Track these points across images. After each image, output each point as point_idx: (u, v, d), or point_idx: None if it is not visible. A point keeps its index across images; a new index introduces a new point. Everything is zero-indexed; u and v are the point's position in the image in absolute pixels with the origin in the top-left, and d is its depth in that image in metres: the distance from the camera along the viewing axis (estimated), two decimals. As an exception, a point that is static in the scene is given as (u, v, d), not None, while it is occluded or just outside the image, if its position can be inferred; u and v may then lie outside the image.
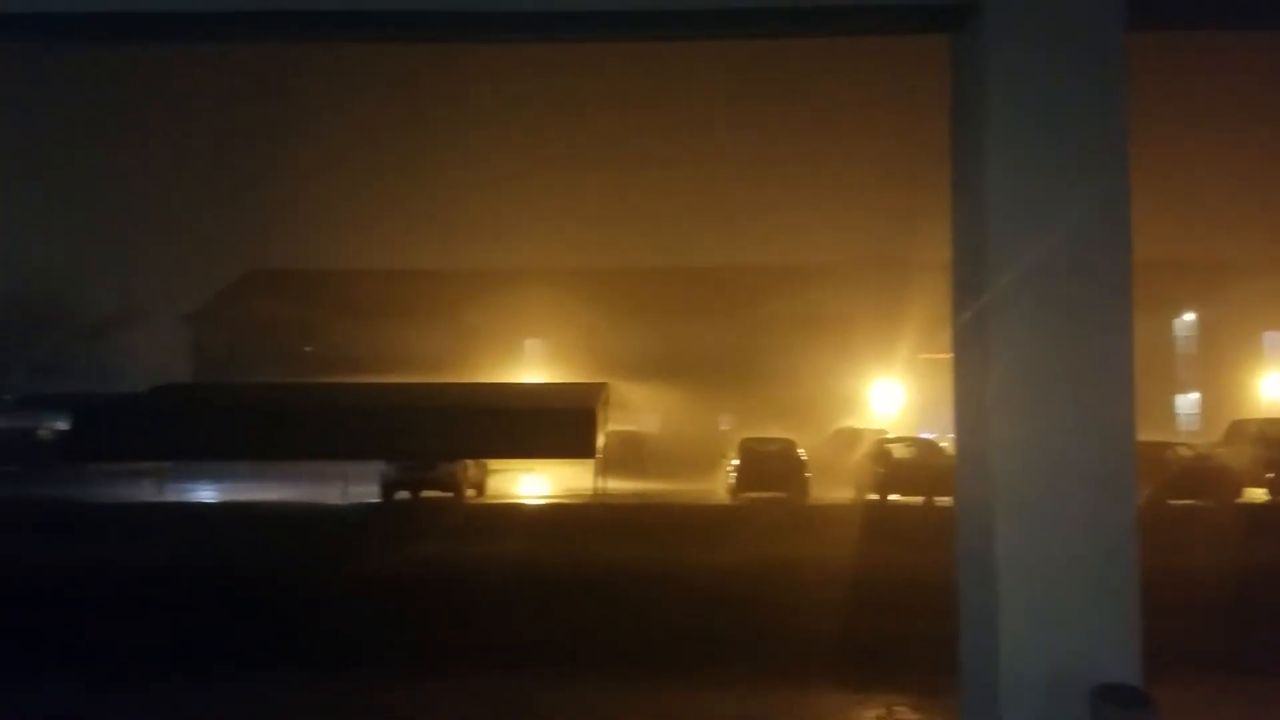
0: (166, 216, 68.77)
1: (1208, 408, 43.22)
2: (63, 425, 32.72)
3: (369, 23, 1.96)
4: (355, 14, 1.92)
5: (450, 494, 25.44)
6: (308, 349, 43.73)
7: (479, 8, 1.89)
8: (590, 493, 26.05)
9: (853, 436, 33.20)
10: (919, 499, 23.70)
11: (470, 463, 26.25)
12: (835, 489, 26.18)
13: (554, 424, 22.84)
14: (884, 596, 11.14)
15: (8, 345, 40.06)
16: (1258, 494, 24.75)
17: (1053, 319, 1.82)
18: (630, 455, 32.78)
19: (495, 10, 1.89)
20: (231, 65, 57.13)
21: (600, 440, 24.27)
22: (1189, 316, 44.66)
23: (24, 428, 39.09)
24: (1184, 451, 25.37)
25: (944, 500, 22.43)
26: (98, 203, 68.32)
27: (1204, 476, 23.41)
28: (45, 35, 2.08)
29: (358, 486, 26.16)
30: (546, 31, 2.01)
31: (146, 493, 26.92)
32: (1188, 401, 44.28)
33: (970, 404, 1.96)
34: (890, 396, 41.96)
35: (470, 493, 26.47)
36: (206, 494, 27.79)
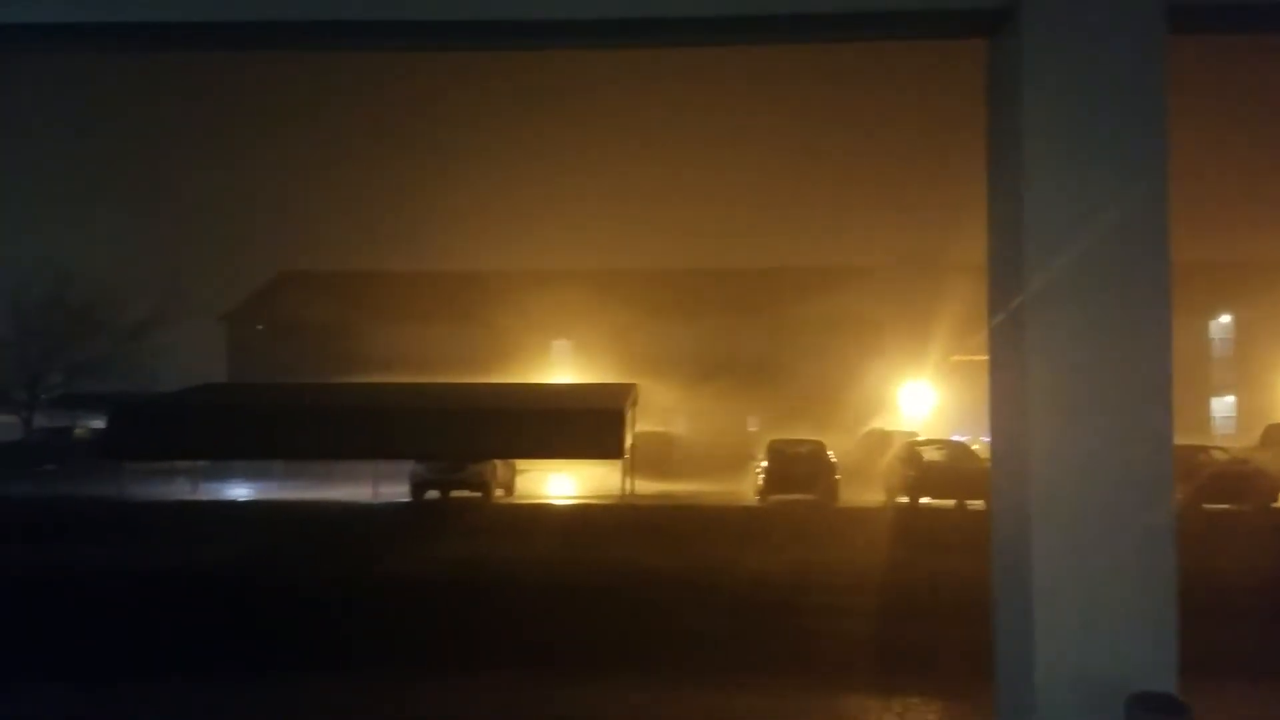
0: (203, 219, 69.48)
1: (1243, 411, 42.67)
2: (99, 424, 33.22)
3: (372, 33, 1.96)
4: (356, 24, 1.92)
5: (479, 494, 25.53)
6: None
7: (486, 16, 1.89)
8: (618, 494, 26.08)
9: (883, 438, 33.01)
10: (950, 502, 23.52)
11: (499, 463, 26.32)
12: (865, 491, 26.03)
13: (582, 425, 22.91)
14: (915, 601, 11.07)
15: (47, 345, 40.62)
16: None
17: (1090, 321, 1.81)
18: (658, 456, 32.76)
19: (507, 19, 1.89)
20: (265, 69, 57.66)
21: (628, 441, 24.32)
22: (1225, 319, 44.09)
23: (61, 427, 39.73)
24: (1219, 455, 25.03)
25: (976, 503, 22.29)
26: (135, 205, 69.17)
27: (1239, 481, 23.08)
28: (54, 45, 2.08)
29: (387, 486, 26.33)
30: (554, 39, 2.00)
31: (180, 491, 27.22)
32: (1223, 405, 43.72)
33: (1005, 406, 1.95)
34: (921, 399, 41.68)
35: (499, 493, 26.55)
36: (239, 492, 28.06)
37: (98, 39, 1.98)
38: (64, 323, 40.61)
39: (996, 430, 1.96)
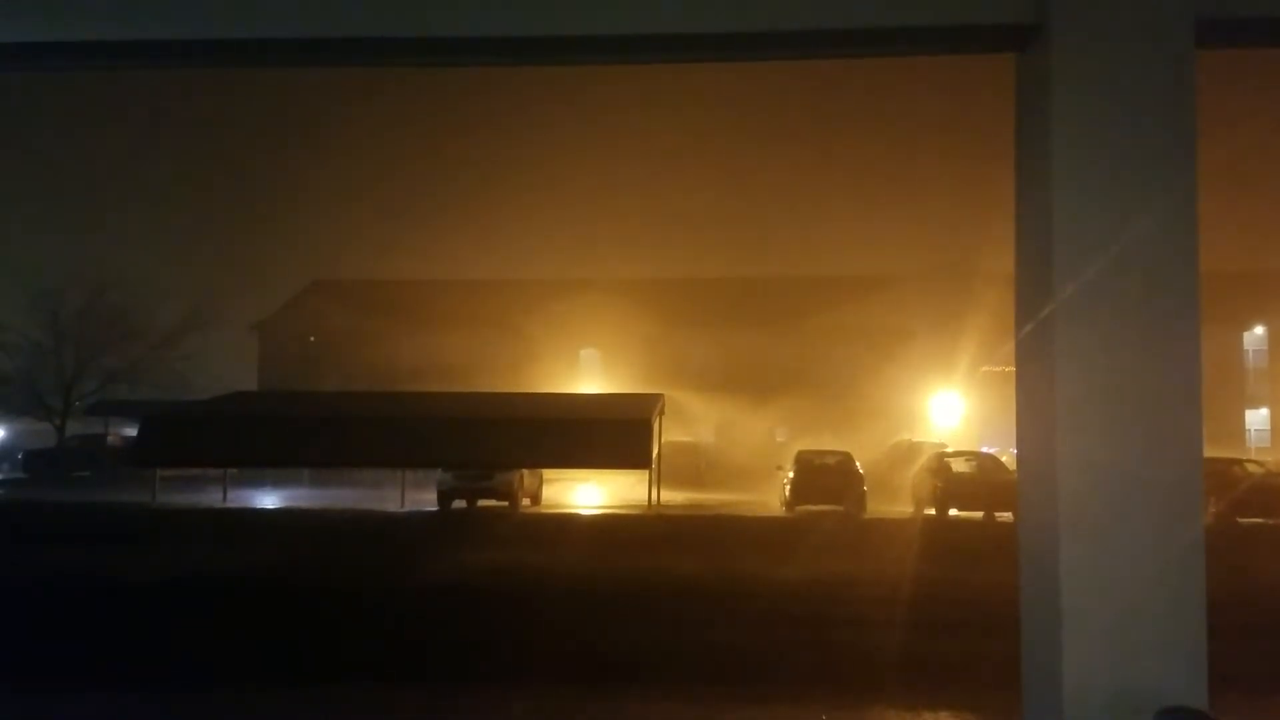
0: (235, 229, 70.26)
1: (1278, 423, 42.08)
2: (131, 432, 33.63)
3: (382, 49, 1.96)
4: (367, 41, 1.93)
5: (506, 503, 25.61)
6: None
7: (499, 33, 1.90)
8: (645, 504, 26.08)
9: (911, 449, 32.85)
10: (979, 514, 23.37)
11: (526, 472, 26.39)
12: (893, 503, 25.90)
13: (610, 434, 22.91)
14: (944, 613, 10.99)
15: (81, 353, 41.14)
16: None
17: (1119, 334, 1.81)
18: (686, 466, 32.75)
19: (521, 35, 1.90)
20: (299, 80, 58.28)
21: (656, 451, 24.31)
22: (1259, 330, 43.53)
23: (94, 434, 40.22)
24: (1253, 468, 24.74)
25: (1005, 516, 22.12)
26: (170, 215, 70.02)
27: (1274, 494, 22.79)
28: (82, 62, 2.11)
29: (415, 494, 26.45)
30: (572, 55, 2.01)
31: (211, 498, 27.47)
32: (1258, 417, 43.14)
33: (1033, 419, 1.95)
34: (950, 409, 41.43)
35: (525, 502, 26.62)
36: (268, 500, 28.29)
37: (118, 56, 2.02)
38: (98, 330, 41.12)
39: (1023, 442, 1.96)
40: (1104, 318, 1.79)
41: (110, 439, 39.54)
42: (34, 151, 62.22)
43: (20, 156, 62.71)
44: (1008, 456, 27.75)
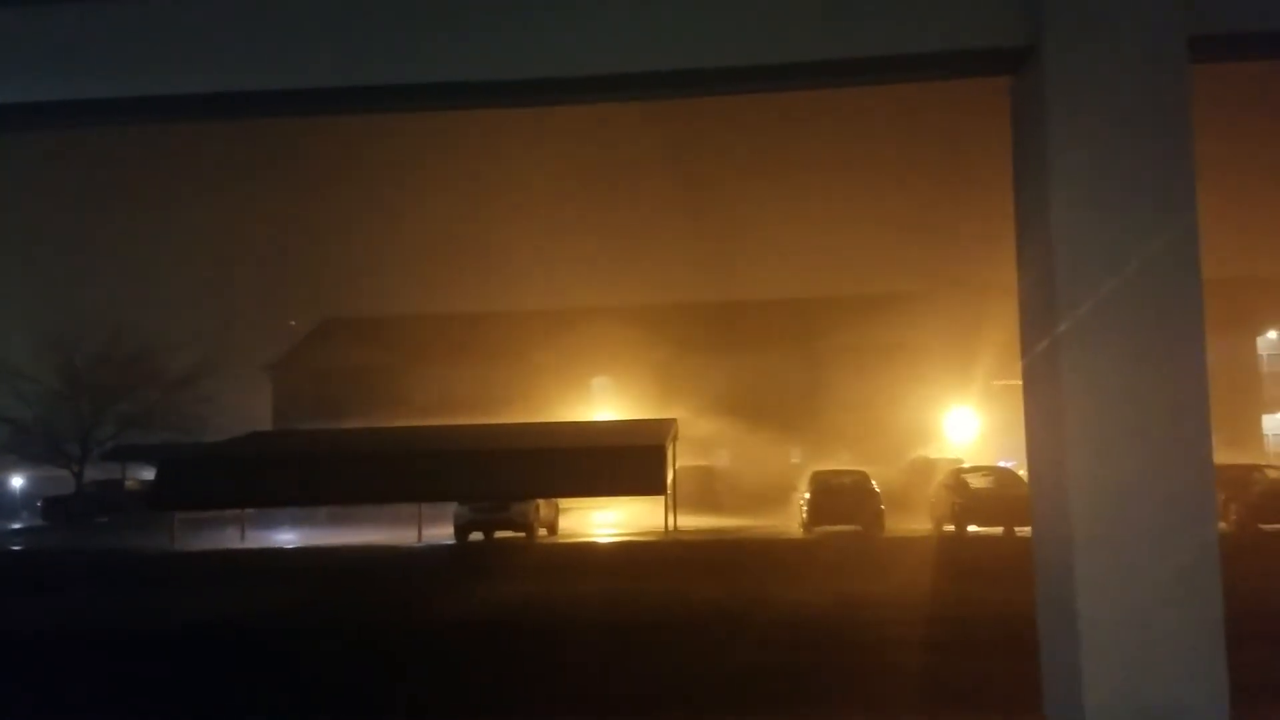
0: (246, 271, 70.74)
1: (1298, 427, 41.73)
2: (149, 476, 33.77)
3: (389, 96, 2.00)
4: (377, 89, 1.96)
5: (523, 534, 25.53)
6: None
7: (503, 77, 1.93)
8: (662, 530, 25.97)
9: (928, 466, 32.66)
10: (998, 530, 23.19)
11: (542, 502, 26.34)
12: (911, 521, 25.73)
13: (624, 461, 22.96)
14: (968, 634, 10.90)
15: (98, 399, 41.36)
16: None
17: (1125, 349, 1.82)
18: (701, 490, 32.60)
19: (527, 78, 1.93)
20: (302, 125, 58.76)
21: (670, 476, 24.28)
22: (1273, 334, 43.30)
23: (112, 479, 40.36)
24: (1273, 473, 24.53)
25: (1024, 531, 21.93)
26: (180, 259, 70.63)
27: (1295, 499, 22.55)
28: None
29: (432, 528, 26.41)
30: (582, 95, 2.04)
31: (230, 540, 27.48)
32: (1275, 421, 42.83)
33: (1043, 437, 1.96)
34: (966, 424, 41.20)
35: (542, 532, 26.53)
36: (286, 539, 28.27)
37: (132, 113, 2.05)
38: (114, 376, 41.34)
39: (1034, 460, 1.97)
40: (1109, 334, 1.80)
41: (128, 483, 39.68)
42: (46, 200, 62.86)
43: (33, 205, 63.34)
44: (1025, 470, 27.57)
